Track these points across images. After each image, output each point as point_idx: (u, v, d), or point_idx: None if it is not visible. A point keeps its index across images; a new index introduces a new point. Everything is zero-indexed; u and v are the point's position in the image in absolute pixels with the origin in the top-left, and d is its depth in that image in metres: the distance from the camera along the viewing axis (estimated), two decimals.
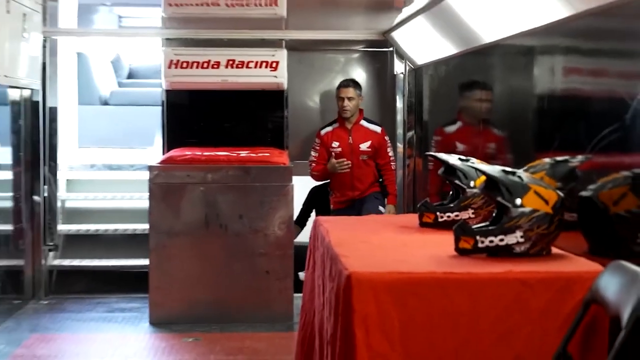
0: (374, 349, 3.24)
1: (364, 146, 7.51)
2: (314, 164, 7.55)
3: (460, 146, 5.85)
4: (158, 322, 6.54)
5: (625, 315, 2.80)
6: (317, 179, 7.74)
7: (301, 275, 5.29)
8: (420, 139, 7.63)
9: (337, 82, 7.96)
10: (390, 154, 7.66)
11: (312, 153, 7.57)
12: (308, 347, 4.71)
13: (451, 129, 6.24)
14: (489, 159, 4.95)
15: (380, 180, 7.66)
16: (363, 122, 7.58)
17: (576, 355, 3.15)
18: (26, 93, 7.17)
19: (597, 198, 3.66)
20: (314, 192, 7.89)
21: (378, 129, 7.60)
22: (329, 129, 7.59)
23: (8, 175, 6.98)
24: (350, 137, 7.50)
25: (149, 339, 6.23)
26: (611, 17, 3.61)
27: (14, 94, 6.94)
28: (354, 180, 7.49)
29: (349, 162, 7.41)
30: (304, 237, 5.66)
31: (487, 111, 5.44)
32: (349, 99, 7.42)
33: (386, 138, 7.61)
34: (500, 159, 5.08)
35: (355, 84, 7.55)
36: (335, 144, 7.49)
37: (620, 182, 3.49)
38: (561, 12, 3.99)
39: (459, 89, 6.03)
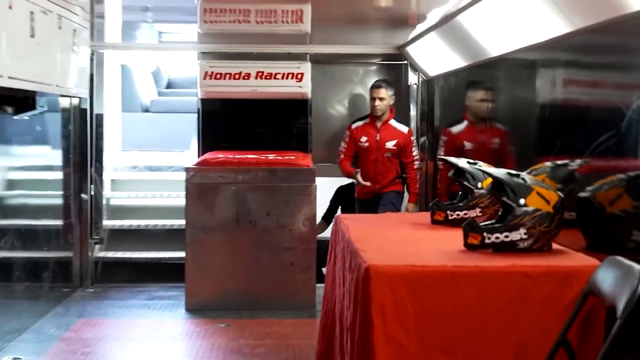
0: (390, 335, 3.24)
1: (390, 144, 7.36)
2: (342, 155, 7.46)
3: (467, 144, 5.82)
4: (193, 309, 6.55)
5: (621, 306, 2.79)
6: (341, 170, 7.58)
7: (324, 270, 5.27)
8: (431, 143, 7.62)
9: (356, 92, 7.98)
10: (415, 154, 7.48)
11: (342, 144, 7.47)
12: (329, 333, 4.71)
13: (458, 128, 6.24)
14: (494, 154, 4.92)
15: (403, 176, 7.53)
16: (392, 122, 7.40)
17: (575, 343, 3.14)
18: (75, 101, 7.20)
19: (595, 199, 3.64)
20: (340, 191, 7.86)
21: (405, 129, 7.44)
22: (359, 123, 7.47)
23: (59, 175, 7.01)
24: (378, 134, 7.35)
25: (185, 324, 6.24)
26: (607, 33, 3.59)
27: (64, 102, 6.98)
28: (377, 175, 7.37)
29: (368, 183, 7.33)
30: (326, 233, 5.66)
31: (491, 110, 5.41)
32: (380, 99, 7.27)
33: (412, 138, 7.47)
34: (504, 154, 5.06)
35: (387, 84, 7.38)
36: (363, 138, 7.36)
37: (615, 184, 3.47)
38: (562, 28, 3.97)
39: (465, 90, 5.98)
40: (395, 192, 7.51)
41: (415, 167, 7.46)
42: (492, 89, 5.39)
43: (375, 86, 7.38)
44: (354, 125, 7.46)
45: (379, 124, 7.36)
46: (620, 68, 3.63)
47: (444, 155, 6.25)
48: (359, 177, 7.32)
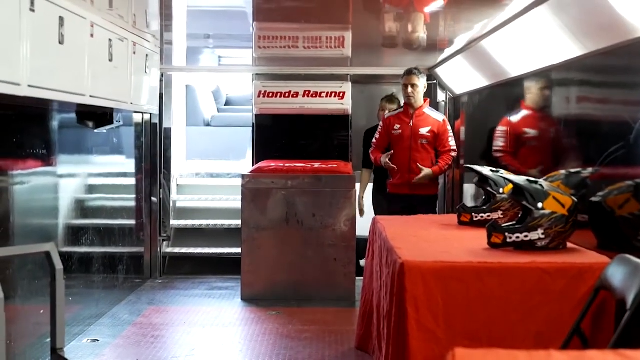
0: (422, 323, 3.22)
1: (424, 130, 6.34)
2: (373, 146, 6.58)
3: (529, 131, 5.27)
4: (248, 299, 6.55)
5: (630, 299, 2.75)
6: (374, 162, 6.67)
7: (362, 262, 5.24)
8: (458, 153, 7.56)
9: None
10: (452, 144, 6.42)
11: (375, 136, 6.62)
12: (368, 320, 4.69)
13: (517, 117, 5.44)
14: (553, 141, 4.58)
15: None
16: (427, 109, 6.44)
17: (588, 332, 3.10)
18: (147, 117, 7.26)
19: (605, 203, 3.60)
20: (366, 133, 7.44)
21: (441, 117, 6.51)
22: (393, 113, 6.59)
23: (132, 181, 7.07)
24: (411, 121, 6.38)
25: (241, 312, 6.25)
26: (617, 55, 3.54)
27: (137, 118, 7.04)
28: (411, 162, 6.32)
29: (395, 167, 6.34)
30: (364, 231, 5.64)
31: (548, 98, 4.97)
32: (413, 86, 6.35)
33: (448, 127, 6.44)
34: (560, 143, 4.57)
35: (419, 72, 6.44)
36: (396, 126, 6.40)
37: (624, 190, 3.43)
38: (575, 51, 3.92)
39: (525, 81, 5.20)
40: (430, 198, 6.51)
41: (452, 155, 6.41)
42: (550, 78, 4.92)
43: (407, 73, 6.45)
44: (387, 114, 6.65)
45: (412, 111, 6.41)
46: (629, 86, 3.58)
47: (504, 146, 5.62)
48: (386, 159, 6.37)
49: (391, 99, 7.26)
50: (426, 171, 6.27)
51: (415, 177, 6.30)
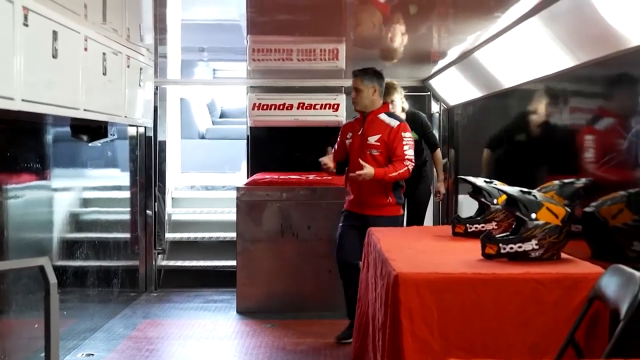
0: (416, 335, 3.22)
1: (373, 139, 5.41)
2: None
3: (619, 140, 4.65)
4: (243, 311, 6.55)
5: (623, 309, 2.76)
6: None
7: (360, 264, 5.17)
8: (451, 164, 7.57)
9: None
10: (407, 152, 5.37)
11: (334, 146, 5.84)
12: (363, 332, 4.68)
13: (603, 125, 4.75)
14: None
15: (401, 185, 5.53)
16: (382, 115, 5.48)
17: (582, 342, 3.10)
18: (141, 130, 7.26)
19: (599, 213, 3.60)
20: None
21: (396, 123, 5.44)
22: (351, 120, 5.83)
23: (127, 194, 7.06)
24: (361, 129, 5.50)
25: (236, 324, 6.24)
26: (608, 66, 3.55)
27: (132, 131, 7.04)
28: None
29: (330, 166, 5.59)
30: None
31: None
32: (356, 90, 5.48)
33: (403, 134, 5.40)
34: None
35: (364, 73, 5.51)
36: (349, 135, 5.58)
37: (617, 200, 3.44)
38: (567, 62, 3.94)
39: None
40: (388, 218, 5.39)
41: (406, 164, 5.34)
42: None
43: (352, 75, 5.62)
44: (345, 122, 5.99)
45: (365, 118, 5.52)
46: (620, 97, 3.59)
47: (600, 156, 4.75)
48: (325, 159, 5.60)
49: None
50: (367, 169, 5.25)
51: (365, 197, 5.43)
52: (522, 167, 5.03)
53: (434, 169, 6.83)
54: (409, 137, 5.46)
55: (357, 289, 4.98)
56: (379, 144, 5.42)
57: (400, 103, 6.36)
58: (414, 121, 6.39)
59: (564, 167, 4.19)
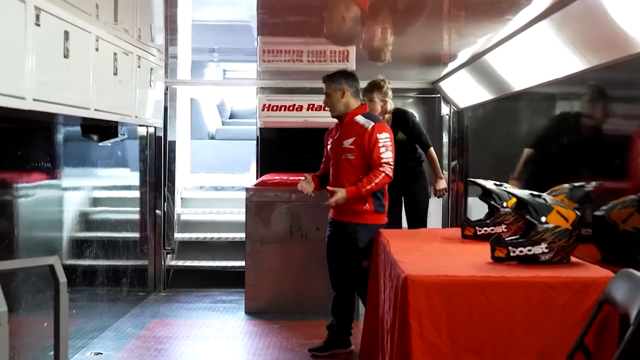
0: (425, 337, 3.22)
1: (347, 143, 5.13)
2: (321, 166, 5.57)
3: None
4: (252, 312, 6.55)
5: (633, 313, 2.74)
6: None
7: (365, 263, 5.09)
8: (461, 167, 7.56)
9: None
10: (384, 155, 5.03)
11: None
12: (372, 334, 4.69)
13: None
14: None
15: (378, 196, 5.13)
16: (358, 117, 5.16)
17: (591, 346, 3.09)
18: (151, 130, 7.28)
19: (609, 217, 3.59)
20: None
21: (370, 124, 5.10)
22: (333, 126, 5.46)
23: (136, 194, 7.08)
24: (338, 133, 5.26)
25: (245, 325, 6.24)
26: (620, 70, 3.54)
27: (142, 131, 7.06)
28: (336, 182, 5.21)
29: (308, 191, 5.33)
30: None
31: None
32: (326, 94, 5.24)
33: (378, 135, 5.05)
34: None
35: (330, 77, 5.24)
36: (329, 141, 5.35)
37: (627, 204, 3.42)
38: (578, 65, 3.93)
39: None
40: (364, 227, 5.10)
41: (383, 170, 5.01)
42: None
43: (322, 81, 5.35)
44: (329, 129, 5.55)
45: (342, 122, 5.25)
46: (631, 100, 3.58)
47: None
48: (301, 183, 5.34)
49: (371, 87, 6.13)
50: (338, 193, 5.05)
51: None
52: (567, 170, 4.77)
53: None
54: (384, 137, 5.08)
55: (344, 304, 5.25)
56: (353, 147, 5.12)
57: (379, 103, 6.05)
58: (401, 121, 6.31)
59: (614, 171, 3.96)
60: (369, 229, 5.04)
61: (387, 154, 5.06)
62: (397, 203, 6.22)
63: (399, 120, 6.31)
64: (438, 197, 6.71)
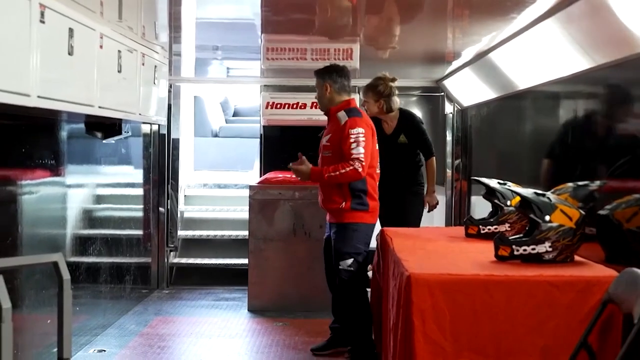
0: (428, 336, 3.22)
1: (325, 140, 5.04)
2: None
3: None
4: (255, 309, 6.55)
5: (637, 313, 2.74)
6: None
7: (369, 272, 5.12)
8: (465, 165, 7.55)
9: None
10: (354, 150, 4.79)
11: None
12: (375, 332, 4.69)
13: None
14: None
15: (362, 189, 4.90)
16: (340, 113, 4.97)
17: (595, 345, 3.08)
18: (155, 127, 7.28)
19: (613, 216, 3.58)
20: None
21: (346, 119, 4.90)
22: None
23: (140, 191, 7.08)
24: (324, 131, 5.21)
25: (248, 323, 6.25)
26: (625, 69, 3.53)
27: (145, 128, 7.06)
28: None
29: (293, 167, 5.09)
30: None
31: None
32: (316, 89, 5.19)
33: (350, 130, 4.82)
34: None
35: (317, 72, 5.16)
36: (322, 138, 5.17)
37: (632, 203, 3.41)
38: (583, 64, 3.92)
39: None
40: (342, 226, 4.95)
41: (351, 165, 4.77)
42: None
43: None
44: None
45: (328, 118, 5.17)
46: (636, 99, 3.57)
47: None
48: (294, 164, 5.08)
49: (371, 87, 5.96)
50: (303, 166, 5.01)
51: (323, 199, 5.04)
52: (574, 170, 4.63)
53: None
54: (356, 132, 4.82)
55: (347, 308, 5.00)
56: (329, 144, 4.97)
57: (373, 103, 5.86)
58: (407, 123, 6.05)
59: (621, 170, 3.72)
60: (347, 228, 4.90)
61: (358, 150, 4.80)
62: (386, 211, 5.65)
63: (405, 121, 6.06)
64: (428, 212, 6.20)
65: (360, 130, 4.84)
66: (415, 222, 6.02)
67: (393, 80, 5.91)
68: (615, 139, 3.74)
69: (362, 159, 4.79)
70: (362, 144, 4.81)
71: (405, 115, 6.13)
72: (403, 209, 6.00)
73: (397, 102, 5.98)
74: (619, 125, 3.73)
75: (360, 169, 4.79)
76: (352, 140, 4.80)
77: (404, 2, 4.70)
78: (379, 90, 5.89)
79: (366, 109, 5.71)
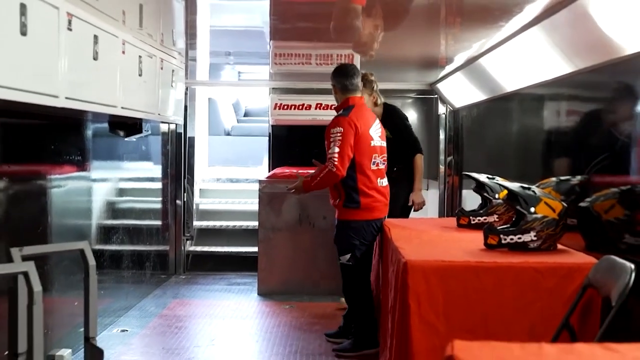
0: (423, 317, 3.22)
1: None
2: None
3: None
4: (264, 293, 6.56)
5: (614, 296, 2.75)
6: None
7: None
8: (457, 162, 7.54)
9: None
10: (330, 151, 4.55)
11: None
12: (376, 314, 4.68)
13: None
14: None
15: (352, 192, 4.66)
16: (338, 112, 4.79)
17: (576, 326, 3.09)
18: (172, 126, 7.28)
19: (592, 208, 3.58)
20: None
21: (331, 117, 4.79)
22: None
23: (159, 185, 7.08)
24: None
25: (257, 305, 6.25)
26: (604, 73, 3.53)
27: (164, 127, 7.06)
28: None
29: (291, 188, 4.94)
30: None
31: None
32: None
33: (332, 130, 4.60)
34: None
35: (331, 75, 4.91)
36: None
37: (610, 196, 3.41)
38: (565, 68, 3.92)
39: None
40: (337, 222, 4.80)
41: (327, 167, 4.57)
42: None
43: None
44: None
45: None
46: (615, 101, 3.56)
47: None
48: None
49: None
50: (297, 182, 4.88)
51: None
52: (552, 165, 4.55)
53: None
54: (334, 132, 4.57)
55: (350, 296, 4.82)
56: (326, 143, 4.69)
57: (369, 98, 5.43)
58: (390, 117, 5.62)
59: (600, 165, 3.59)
60: (341, 224, 4.74)
61: (333, 150, 4.52)
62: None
63: (388, 116, 5.61)
64: (415, 211, 5.76)
65: (339, 129, 4.57)
66: (395, 215, 5.44)
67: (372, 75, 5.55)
68: (594, 137, 3.74)
69: (335, 159, 4.51)
70: (338, 143, 4.52)
71: (388, 109, 5.72)
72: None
73: (381, 96, 5.65)
74: (597, 124, 3.72)
75: (334, 169, 4.53)
76: (330, 140, 4.57)
77: (401, 11, 4.69)
78: (372, 85, 5.56)
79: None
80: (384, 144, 4.88)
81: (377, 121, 4.88)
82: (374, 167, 4.71)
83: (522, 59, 4.62)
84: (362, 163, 4.64)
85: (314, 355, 4.80)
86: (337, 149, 4.53)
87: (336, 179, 4.59)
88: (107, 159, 5.50)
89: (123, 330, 5.30)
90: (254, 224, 7.12)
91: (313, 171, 4.84)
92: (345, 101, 4.81)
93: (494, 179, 4.35)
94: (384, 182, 4.82)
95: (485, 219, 4.31)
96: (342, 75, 4.85)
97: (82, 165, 4.87)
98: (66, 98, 3.57)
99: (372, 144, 4.71)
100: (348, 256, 4.76)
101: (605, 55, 3.35)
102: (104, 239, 5.39)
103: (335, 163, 4.53)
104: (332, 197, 4.81)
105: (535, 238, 3.49)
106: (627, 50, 3.10)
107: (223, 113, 11.65)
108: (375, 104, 5.57)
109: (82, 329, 3.63)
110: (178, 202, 7.59)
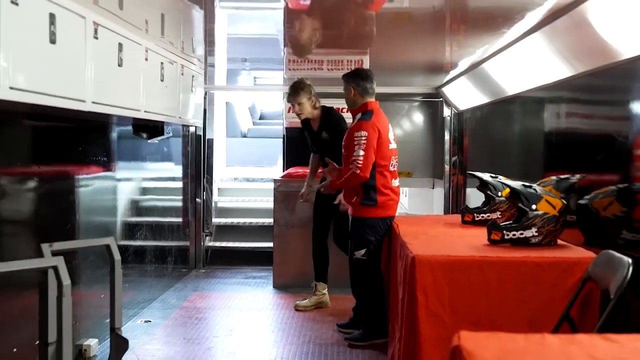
0: (430, 309, 3.21)
1: (344, 140, 4.85)
2: None
3: None
4: (279, 287, 6.56)
5: (613, 289, 2.73)
6: None
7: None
8: (461, 161, 7.51)
9: (403, 124, 7.86)
10: (355, 154, 4.60)
11: None
12: (387, 307, 4.67)
13: None
14: None
15: (370, 190, 4.66)
16: (358, 115, 4.82)
17: (576, 318, 3.07)
18: (192, 129, 7.30)
19: (591, 205, 3.56)
20: None
21: (355, 122, 4.81)
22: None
23: (179, 184, 7.10)
24: None
25: (273, 298, 6.26)
26: (602, 76, 3.50)
27: (184, 130, 7.08)
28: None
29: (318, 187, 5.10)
30: None
31: None
32: (344, 92, 4.91)
33: (355, 133, 4.67)
34: None
35: (344, 76, 4.92)
36: None
37: (608, 194, 3.39)
38: (565, 72, 3.89)
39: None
40: (353, 219, 4.80)
41: (350, 168, 4.61)
42: None
43: None
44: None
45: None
46: (612, 104, 3.54)
47: None
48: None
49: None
50: (326, 181, 4.98)
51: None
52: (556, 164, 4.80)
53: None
54: (359, 135, 4.59)
55: (363, 289, 4.83)
56: (345, 143, 4.76)
57: (307, 102, 5.49)
58: (326, 120, 5.56)
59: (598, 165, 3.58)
60: (357, 221, 4.73)
61: (358, 152, 4.56)
62: (323, 210, 5.55)
63: (325, 118, 5.55)
64: (342, 211, 5.40)
65: (363, 133, 4.60)
66: (333, 210, 5.53)
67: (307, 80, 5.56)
68: (593, 137, 3.71)
69: (359, 162, 4.55)
70: (363, 146, 4.57)
71: (325, 112, 5.60)
72: (338, 213, 5.53)
73: (319, 100, 5.58)
74: (596, 126, 3.70)
75: (357, 171, 4.57)
76: (355, 143, 4.59)
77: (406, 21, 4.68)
78: (310, 89, 5.53)
79: (299, 112, 5.39)
80: (396, 146, 4.89)
81: (390, 125, 4.89)
82: (391, 169, 4.78)
83: (524, 63, 4.60)
84: (381, 164, 4.69)
85: (326, 345, 4.80)
86: (362, 152, 4.56)
87: (360, 180, 4.61)
88: (131, 159, 5.52)
89: (146, 321, 5.32)
90: (269, 220, 7.12)
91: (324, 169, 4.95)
92: (363, 105, 4.78)
93: (497, 177, 4.33)
94: (397, 182, 4.85)
95: (488, 216, 4.30)
96: (363, 78, 4.82)
97: (107, 166, 4.89)
98: (93, 102, 3.58)
99: (390, 147, 4.76)
100: (363, 251, 4.74)
101: (603, 60, 3.32)
102: (129, 235, 5.41)
103: (360, 165, 4.57)
104: (349, 195, 4.80)
105: (536, 234, 3.47)
106: (624, 54, 3.08)
107: (240, 116, 11.66)
108: (314, 107, 5.57)
109: (108, 320, 3.64)
110: (198, 200, 7.61)
